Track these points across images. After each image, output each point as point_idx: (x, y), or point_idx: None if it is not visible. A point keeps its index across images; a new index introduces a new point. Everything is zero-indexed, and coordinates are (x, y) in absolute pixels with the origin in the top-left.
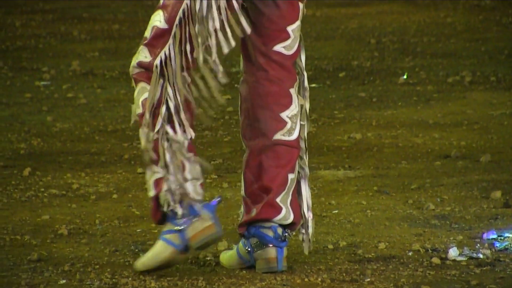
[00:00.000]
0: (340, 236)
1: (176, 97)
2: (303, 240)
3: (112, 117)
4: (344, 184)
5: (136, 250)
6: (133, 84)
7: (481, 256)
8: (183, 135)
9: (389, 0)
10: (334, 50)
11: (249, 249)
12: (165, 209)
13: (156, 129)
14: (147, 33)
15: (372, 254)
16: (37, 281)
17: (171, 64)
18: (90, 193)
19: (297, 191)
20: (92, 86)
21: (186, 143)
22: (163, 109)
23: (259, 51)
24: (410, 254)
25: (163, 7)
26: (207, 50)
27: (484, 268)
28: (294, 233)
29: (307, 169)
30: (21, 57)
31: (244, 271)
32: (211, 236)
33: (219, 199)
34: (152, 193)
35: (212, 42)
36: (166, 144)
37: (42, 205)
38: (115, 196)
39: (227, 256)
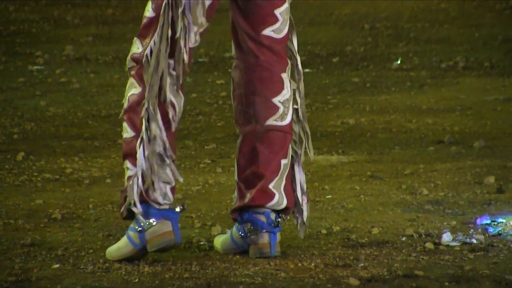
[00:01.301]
0: (334, 221)
1: (158, 89)
2: (297, 224)
3: (105, 102)
4: (337, 169)
5: None
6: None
7: (474, 241)
8: (164, 134)
9: None
10: (328, 36)
11: (242, 234)
12: (127, 207)
13: (142, 126)
14: (141, 25)
15: (366, 239)
16: (31, 265)
17: (157, 53)
18: (84, 178)
19: (291, 176)
20: (86, 71)
21: (167, 143)
22: (149, 107)
23: (249, 37)
24: (403, 239)
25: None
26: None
27: (478, 253)
28: (288, 218)
29: (300, 153)
30: (14, 42)
31: (238, 256)
32: (167, 242)
33: (182, 207)
34: (122, 189)
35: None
36: (144, 142)
37: (36, 189)
38: (108, 180)
39: (221, 241)
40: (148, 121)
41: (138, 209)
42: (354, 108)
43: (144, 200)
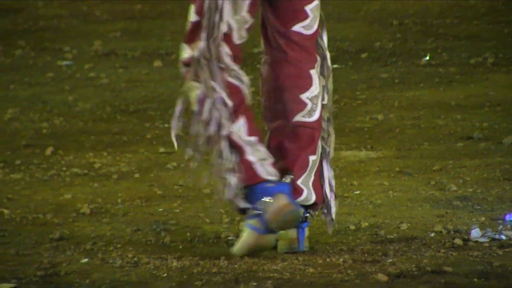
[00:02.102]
0: (362, 217)
1: (218, 88)
2: (325, 220)
3: (133, 97)
4: (366, 165)
5: (158, 229)
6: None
7: (503, 237)
8: (235, 123)
9: None
10: (356, 32)
11: None
12: (241, 200)
13: (210, 126)
14: (187, 28)
15: (394, 235)
16: (59, 259)
17: (207, 55)
18: (112, 173)
19: (320, 171)
20: (114, 66)
21: (242, 128)
22: (208, 102)
23: (278, 33)
24: (432, 235)
25: (192, 1)
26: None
27: (507, 250)
28: (316, 213)
29: (328, 150)
30: (43, 37)
31: (266, 251)
32: (289, 214)
33: (291, 177)
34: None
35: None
36: (219, 133)
37: (64, 184)
38: (137, 175)
39: None
40: (218, 114)
41: (245, 197)
42: (382, 104)
43: (253, 183)
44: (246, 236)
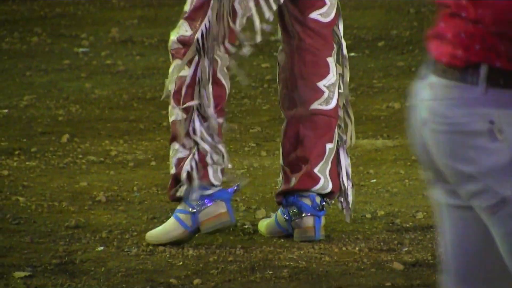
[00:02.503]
0: (378, 206)
1: (210, 72)
2: (342, 208)
3: (150, 84)
4: (382, 153)
5: None
6: (170, 58)
7: None
8: (214, 116)
9: None
10: (373, 20)
11: (287, 218)
12: (182, 188)
13: (185, 106)
14: (186, 7)
15: (410, 223)
16: (75, 247)
17: (209, 37)
18: (128, 160)
19: (336, 160)
20: (131, 54)
21: (216, 125)
22: (197, 86)
23: (296, 20)
24: None
25: None
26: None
27: None
28: (333, 202)
29: (345, 139)
30: (60, 24)
31: (282, 240)
32: (222, 224)
33: (236, 187)
34: (172, 170)
35: (251, 8)
36: (196, 124)
37: (80, 171)
38: (153, 163)
39: (265, 224)
40: (200, 102)
41: (194, 191)
42: (399, 92)
43: (198, 182)
44: (171, 226)
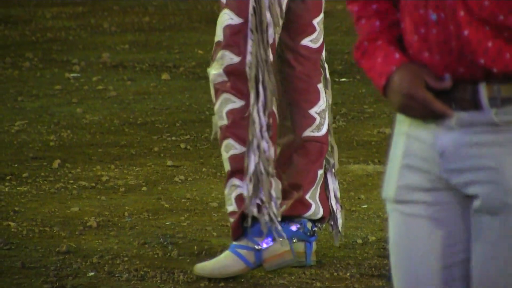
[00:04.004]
0: (369, 231)
1: (269, 101)
2: (332, 232)
3: (141, 109)
4: (373, 178)
5: (165, 243)
6: (213, 94)
7: None
8: (271, 148)
9: None
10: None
11: None
12: (247, 225)
13: (248, 141)
14: (220, 37)
15: None
16: (66, 272)
17: (257, 58)
18: (120, 186)
19: (325, 184)
20: (122, 79)
21: (273, 156)
22: (256, 117)
23: (287, 47)
24: None
25: (228, 5)
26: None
27: None
28: (323, 227)
29: (333, 161)
30: (51, 49)
31: None
32: (286, 262)
33: (298, 225)
34: (232, 208)
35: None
36: (255, 157)
37: (71, 197)
38: (144, 188)
39: None
40: (259, 133)
41: (263, 228)
42: (390, 117)
43: (266, 219)
44: (229, 262)
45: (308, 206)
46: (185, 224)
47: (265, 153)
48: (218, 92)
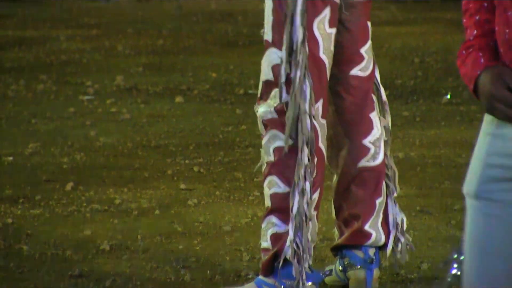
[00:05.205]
0: (383, 256)
1: (313, 143)
2: (400, 252)
3: (155, 132)
4: None
5: (178, 267)
6: (261, 128)
7: None
8: (314, 190)
9: (433, 20)
10: (378, 69)
11: (342, 269)
12: (278, 265)
13: (294, 182)
14: (269, 75)
15: (415, 274)
16: None
17: (296, 98)
18: (133, 209)
19: (386, 209)
20: (136, 101)
21: (317, 199)
22: (303, 157)
23: (336, 79)
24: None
25: (275, 44)
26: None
27: None
28: (388, 253)
29: (392, 186)
30: (65, 71)
31: None
32: None
33: (327, 272)
34: (267, 245)
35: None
36: (299, 199)
37: (84, 220)
38: (157, 212)
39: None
40: (303, 174)
41: (295, 269)
42: (403, 142)
43: (299, 259)
44: None
45: (368, 236)
46: (198, 248)
47: (307, 195)
48: (267, 127)
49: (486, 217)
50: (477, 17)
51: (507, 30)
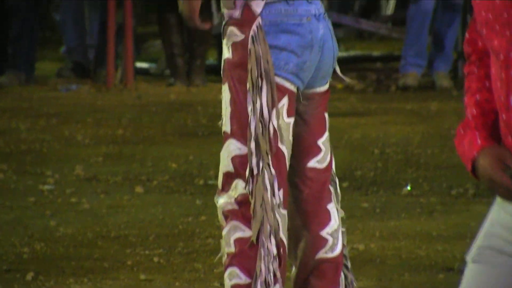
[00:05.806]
0: None
1: (275, 233)
2: None
3: (115, 223)
4: None
5: None
6: (221, 219)
7: None
8: (277, 280)
9: (393, 111)
10: (338, 160)
11: None
12: None
13: (256, 274)
14: (228, 167)
15: None
16: None
17: (259, 187)
18: None
19: None
20: (96, 192)
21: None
22: (266, 248)
23: (293, 171)
24: None
25: (234, 135)
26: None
27: None
28: None
29: (351, 277)
30: (25, 161)
31: None
32: None
33: None
34: None
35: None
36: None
37: None
38: None
39: None
40: (265, 266)
41: None
42: (363, 233)
43: None
44: None
45: None
46: None
47: (270, 286)
48: (227, 218)
49: (476, 274)
50: (477, 97)
51: (504, 116)
